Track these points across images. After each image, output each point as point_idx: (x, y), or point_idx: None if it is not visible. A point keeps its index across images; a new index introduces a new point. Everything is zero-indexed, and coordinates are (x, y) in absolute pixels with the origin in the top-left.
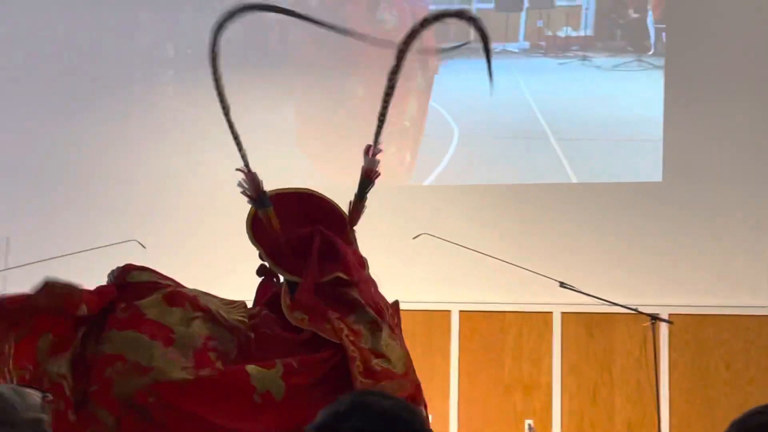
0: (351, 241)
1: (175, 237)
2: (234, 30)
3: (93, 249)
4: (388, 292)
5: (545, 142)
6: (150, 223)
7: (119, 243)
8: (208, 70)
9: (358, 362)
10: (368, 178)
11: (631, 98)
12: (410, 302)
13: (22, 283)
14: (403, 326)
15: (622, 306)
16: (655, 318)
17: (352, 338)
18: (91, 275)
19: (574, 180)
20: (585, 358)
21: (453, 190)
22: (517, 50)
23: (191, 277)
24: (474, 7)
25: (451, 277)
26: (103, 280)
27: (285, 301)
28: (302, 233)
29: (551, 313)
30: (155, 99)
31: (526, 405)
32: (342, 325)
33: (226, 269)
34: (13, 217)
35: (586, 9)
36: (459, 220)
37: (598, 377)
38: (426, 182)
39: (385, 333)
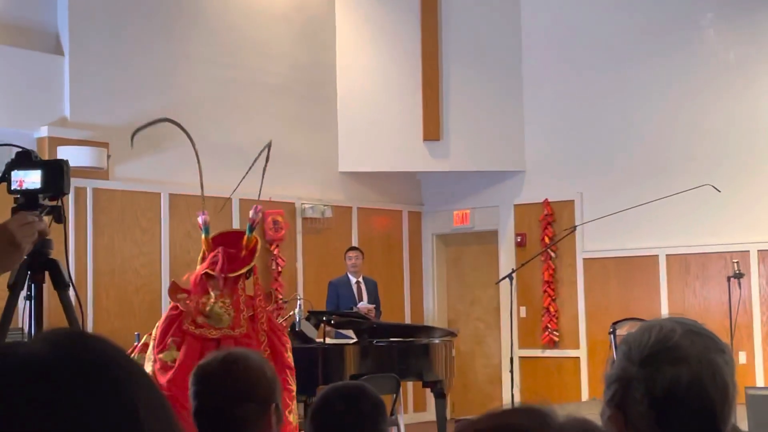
0: (242, 251)
1: (747, 180)
2: None
3: (668, 196)
4: None
5: None
6: (723, 167)
7: (694, 188)
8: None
9: (189, 317)
10: (252, 225)
11: None
12: None
13: (593, 234)
14: None
15: None
16: None
17: (193, 306)
18: (666, 221)
19: None
20: None
21: None
22: None
23: (755, 216)
24: None
25: None
26: (678, 227)
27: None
28: (214, 251)
29: None
30: (695, 45)
31: None
32: (194, 300)
33: None
34: (584, 175)
35: None
36: None
37: None
38: None
39: (214, 302)
